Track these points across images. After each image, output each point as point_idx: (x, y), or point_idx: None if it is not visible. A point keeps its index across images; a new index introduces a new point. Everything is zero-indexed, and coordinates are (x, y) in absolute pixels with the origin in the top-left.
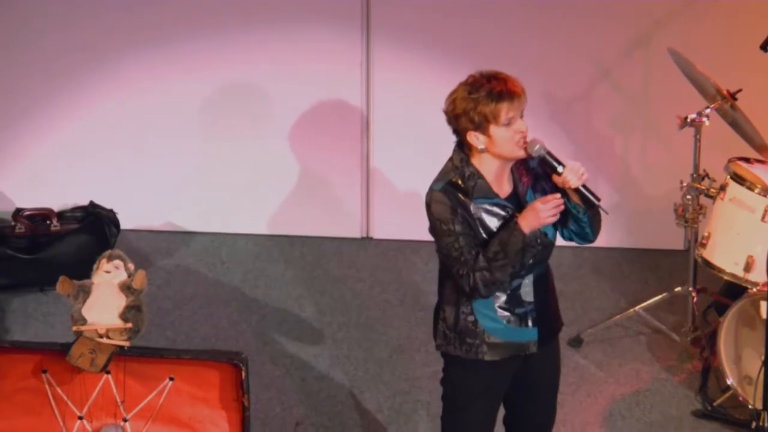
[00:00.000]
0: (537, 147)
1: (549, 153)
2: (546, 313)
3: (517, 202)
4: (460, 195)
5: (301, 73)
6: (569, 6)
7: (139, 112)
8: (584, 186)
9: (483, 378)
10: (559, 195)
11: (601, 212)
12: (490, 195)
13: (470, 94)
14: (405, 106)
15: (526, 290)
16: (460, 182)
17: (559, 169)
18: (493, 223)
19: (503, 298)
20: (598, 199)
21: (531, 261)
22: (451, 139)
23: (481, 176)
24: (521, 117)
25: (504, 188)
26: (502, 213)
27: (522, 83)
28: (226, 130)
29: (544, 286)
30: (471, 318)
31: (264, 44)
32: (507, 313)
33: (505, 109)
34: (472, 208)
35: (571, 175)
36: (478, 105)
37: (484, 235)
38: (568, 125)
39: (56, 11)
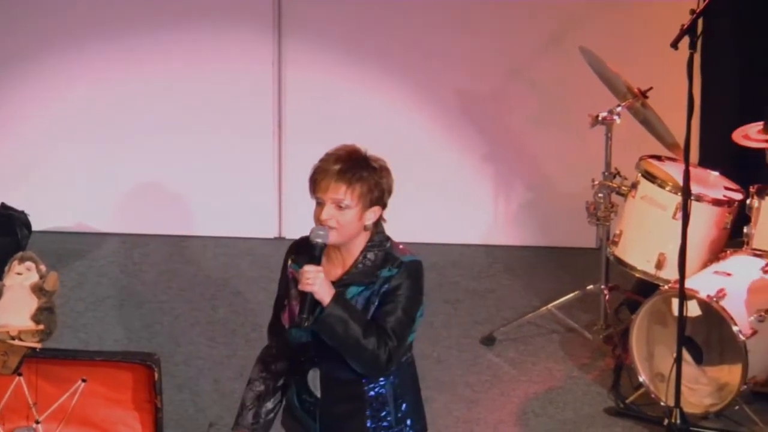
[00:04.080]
0: (312, 234)
1: (317, 248)
2: (335, 428)
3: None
4: None
5: (213, 72)
6: (483, 4)
7: (49, 113)
8: (305, 294)
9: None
10: (317, 270)
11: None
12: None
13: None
14: (317, 106)
15: (314, 382)
16: None
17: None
18: None
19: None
20: (305, 317)
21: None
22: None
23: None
24: (339, 207)
25: (331, 272)
26: None
27: (433, 86)
28: (136, 130)
29: (338, 395)
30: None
31: (175, 44)
32: (299, 389)
33: (315, 189)
34: None
35: (300, 276)
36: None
37: None
38: (481, 123)
39: None
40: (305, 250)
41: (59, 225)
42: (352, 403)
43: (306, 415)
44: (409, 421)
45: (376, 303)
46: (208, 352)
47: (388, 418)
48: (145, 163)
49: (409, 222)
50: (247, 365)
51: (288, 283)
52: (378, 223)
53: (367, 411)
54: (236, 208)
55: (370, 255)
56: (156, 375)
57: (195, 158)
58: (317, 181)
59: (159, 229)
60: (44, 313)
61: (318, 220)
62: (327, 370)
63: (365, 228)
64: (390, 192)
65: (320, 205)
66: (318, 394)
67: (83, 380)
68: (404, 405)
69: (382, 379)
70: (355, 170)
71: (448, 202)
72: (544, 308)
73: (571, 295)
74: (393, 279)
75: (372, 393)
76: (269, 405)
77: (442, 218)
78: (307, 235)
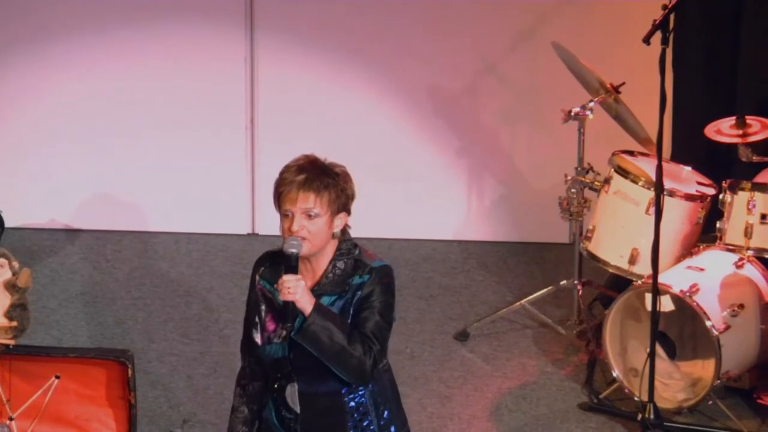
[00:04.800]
0: (286, 245)
1: (292, 258)
2: None
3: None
4: None
5: (185, 69)
6: (454, 0)
7: (21, 110)
8: (287, 303)
9: None
10: (297, 278)
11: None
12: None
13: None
14: (290, 102)
15: (292, 398)
16: None
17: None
18: None
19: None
20: (288, 327)
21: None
22: (336, 134)
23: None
24: (309, 217)
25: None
26: None
27: (406, 83)
28: (108, 127)
29: (317, 409)
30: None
31: (148, 41)
32: (276, 406)
33: (282, 202)
34: None
35: (280, 286)
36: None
37: None
38: (453, 119)
39: None
40: (273, 265)
41: (31, 221)
42: (332, 416)
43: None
44: (393, 428)
45: (352, 312)
46: (182, 348)
47: (372, 427)
48: (117, 159)
49: (382, 218)
50: (221, 361)
51: (258, 300)
52: (344, 231)
53: (349, 422)
54: (209, 204)
55: (340, 264)
56: (130, 371)
57: (167, 155)
58: (283, 193)
59: (131, 225)
60: (17, 310)
61: (288, 232)
62: (304, 384)
63: (333, 236)
64: (353, 197)
65: (288, 217)
66: (297, 409)
67: (57, 377)
68: (386, 412)
69: (361, 388)
70: (321, 178)
71: (421, 197)
72: (518, 304)
73: (545, 290)
74: (365, 286)
75: (352, 404)
76: (256, 427)
77: (415, 214)
78: (271, 249)
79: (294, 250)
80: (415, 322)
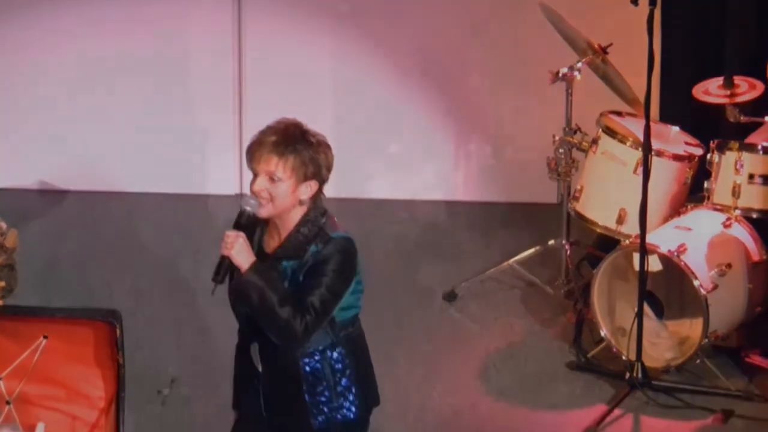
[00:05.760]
0: (243, 201)
1: (243, 215)
2: (277, 402)
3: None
4: None
5: (171, 26)
6: None
7: (7, 69)
8: (224, 257)
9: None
10: (237, 235)
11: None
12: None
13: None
14: (278, 61)
15: (255, 356)
16: None
17: None
18: None
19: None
20: (216, 279)
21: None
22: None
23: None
24: (272, 180)
25: (270, 245)
26: None
27: (394, 46)
28: (99, 88)
29: (276, 370)
30: None
31: (135, 6)
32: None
33: (249, 160)
34: None
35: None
36: None
37: None
38: (442, 81)
39: None
40: (249, 226)
41: (19, 183)
42: (289, 379)
43: (253, 393)
44: (350, 396)
45: (301, 278)
46: (169, 309)
47: (326, 393)
48: (105, 121)
49: (370, 179)
50: (208, 321)
51: None
52: (316, 199)
53: (303, 386)
54: (196, 164)
55: (304, 230)
56: (118, 332)
57: (155, 115)
58: (252, 152)
59: (118, 186)
60: (5, 271)
61: (251, 190)
62: (264, 344)
63: (301, 202)
64: (329, 168)
65: (255, 176)
66: (260, 368)
67: (45, 337)
68: (344, 380)
69: (316, 354)
70: (289, 143)
71: (410, 159)
72: (506, 264)
73: (533, 250)
74: (320, 254)
75: (307, 368)
76: None
77: (403, 175)
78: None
79: (247, 208)
80: (404, 282)
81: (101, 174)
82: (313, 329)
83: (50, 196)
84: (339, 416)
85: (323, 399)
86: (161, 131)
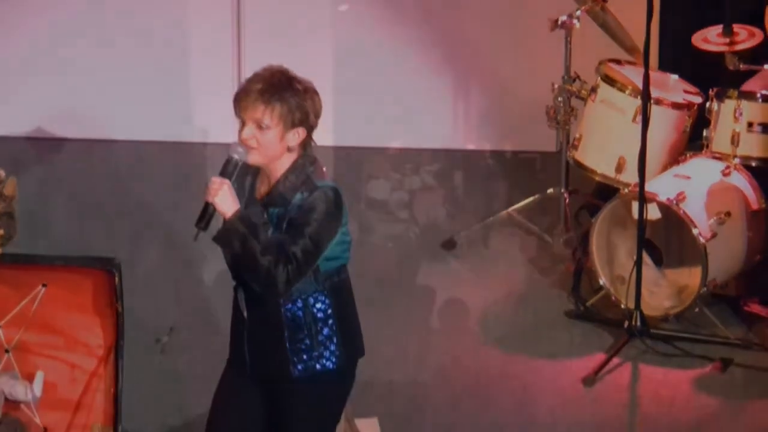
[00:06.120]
0: (231, 149)
1: (230, 163)
2: (259, 349)
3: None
4: None
5: None
6: None
7: (8, 17)
8: (208, 204)
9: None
10: (221, 182)
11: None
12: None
13: None
14: (276, 9)
15: (242, 302)
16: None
17: None
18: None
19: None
20: (198, 225)
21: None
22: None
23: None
24: (260, 128)
25: (260, 191)
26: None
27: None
28: (98, 34)
29: (260, 316)
30: None
31: None
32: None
33: (236, 108)
34: None
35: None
36: None
37: None
38: (439, 29)
39: None
40: (242, 174)
41: (18, 130)
42: (271, 325)
43: (241, 340)
44: (332, 346)
45: (285, 226)
46: (169, 257)
47: (306, 341)
48: (102, 66)
49: (368, 127)
50: (207, 270)
51: None
52: (306, 146)
53: (285, 334)
54: (195, 112)
55: (292, 177)
56: (117, 279)
57: (153, 63)
58: (239, 100)
59: (120, 134)
60: (4, 218)
61: (239, 138)
62: (249, 290)
63: (289, 149)
64: (317, 115)
65: (242, 124)
66: (245, 314)
67: (44, 285)
68: (325, 329)
69: (298, 301)
70: (276, 91)
71: (408, 107)
72: (505, 212)
73: (531, 198)
74: (305, 203)
75: (288, 315)
76: None
77: (402, 123)
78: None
79: (235, 156)
80: (402, 231)
81: (99, 122)
82: (294, 279)
83: (48, 144)
84: (318, 365)
85: (303, 347)
86: (161, 78)
